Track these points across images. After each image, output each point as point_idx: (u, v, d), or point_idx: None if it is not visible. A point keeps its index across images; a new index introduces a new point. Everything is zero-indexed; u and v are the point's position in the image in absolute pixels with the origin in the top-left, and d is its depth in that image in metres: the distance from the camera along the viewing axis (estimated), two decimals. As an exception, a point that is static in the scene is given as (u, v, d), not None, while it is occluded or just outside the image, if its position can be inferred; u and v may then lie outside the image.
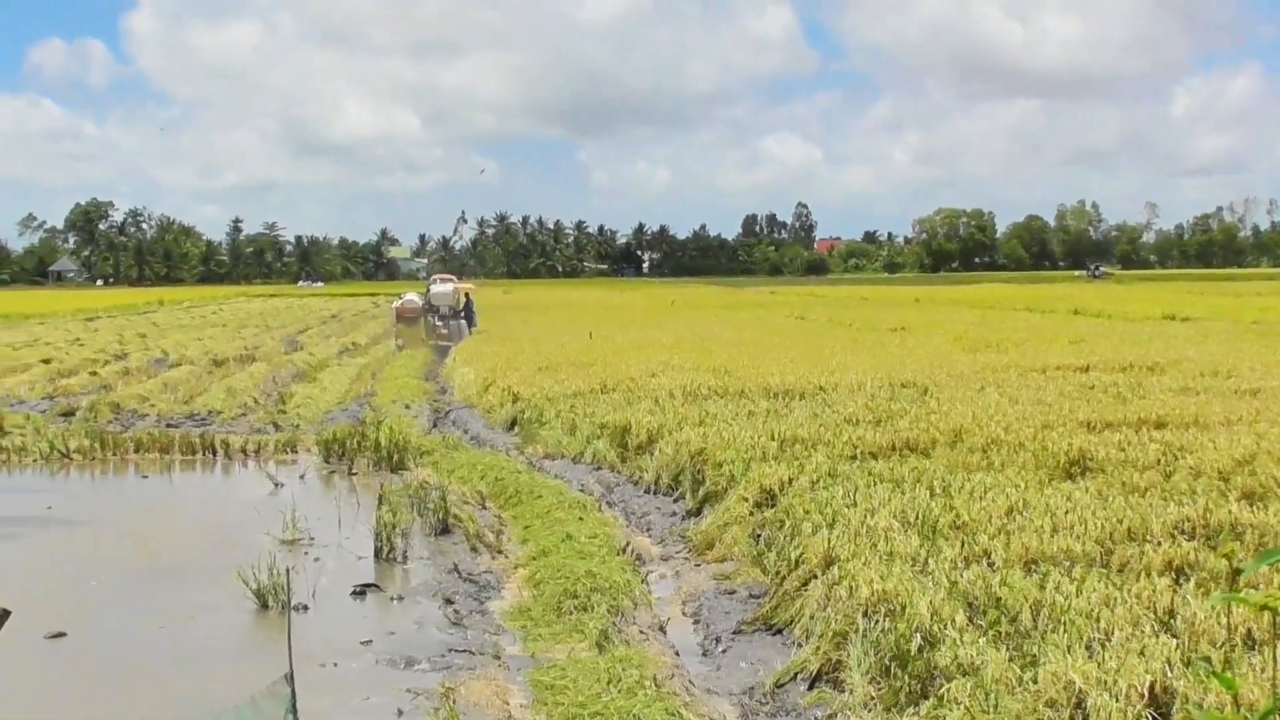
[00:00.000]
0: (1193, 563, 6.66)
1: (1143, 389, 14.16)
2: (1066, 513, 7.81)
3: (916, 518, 7.94)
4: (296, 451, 14.49)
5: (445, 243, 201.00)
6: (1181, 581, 6.30)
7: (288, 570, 6.39)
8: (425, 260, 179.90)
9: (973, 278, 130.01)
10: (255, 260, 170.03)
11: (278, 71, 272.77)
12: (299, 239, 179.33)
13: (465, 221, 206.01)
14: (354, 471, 13.13)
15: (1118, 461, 9.53)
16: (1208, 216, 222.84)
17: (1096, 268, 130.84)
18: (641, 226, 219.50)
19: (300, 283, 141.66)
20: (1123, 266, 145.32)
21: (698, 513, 10.48)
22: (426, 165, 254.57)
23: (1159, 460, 9.54)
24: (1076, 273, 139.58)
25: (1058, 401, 13.05)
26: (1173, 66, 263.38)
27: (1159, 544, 7.00)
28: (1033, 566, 6.74)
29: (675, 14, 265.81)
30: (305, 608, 7.74)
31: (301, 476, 12.93)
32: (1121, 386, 14.46)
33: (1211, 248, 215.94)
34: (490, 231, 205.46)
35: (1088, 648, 5.39)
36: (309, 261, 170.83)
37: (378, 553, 9.17)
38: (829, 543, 7.54)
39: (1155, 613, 5.78)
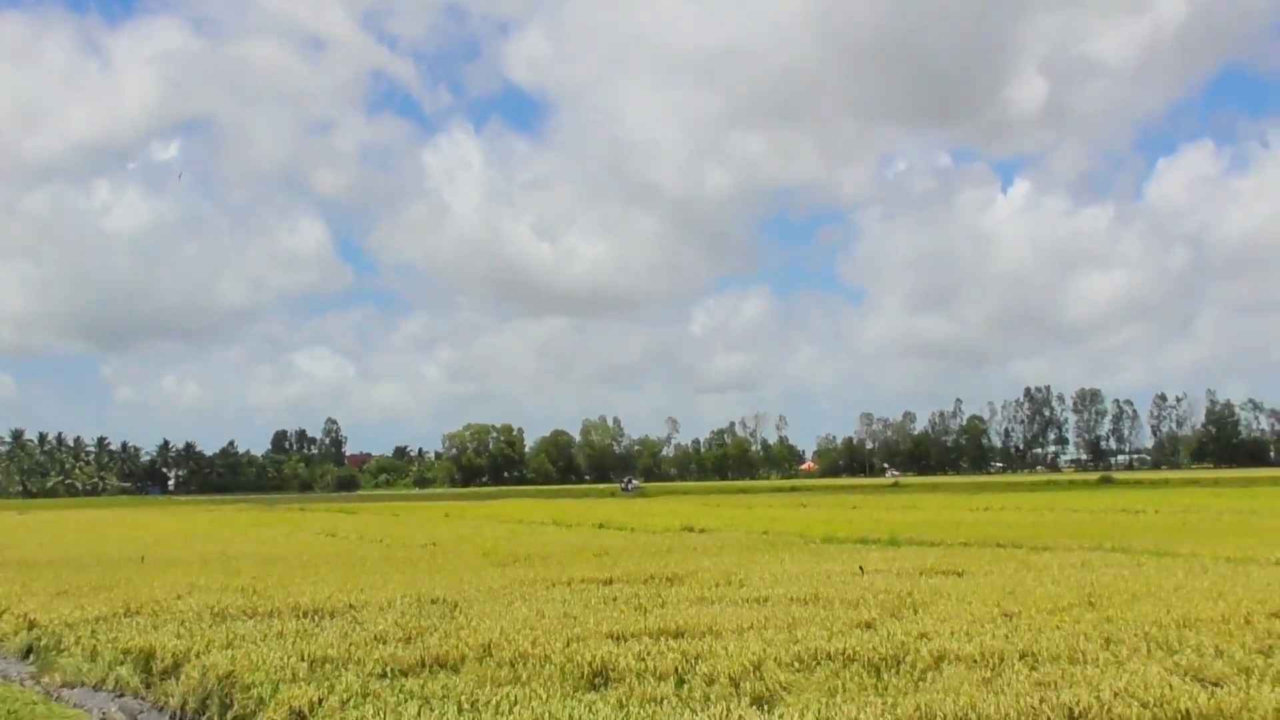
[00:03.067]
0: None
1: (662, 599, 14.86)
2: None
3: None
4: None
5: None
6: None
7: None
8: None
9: (502, 492, 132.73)
10: None
11: None
12: None
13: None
14: None
15: (637, 671, 9.92)
16: (723, 432, 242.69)
17: (629, 481, 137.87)
18: (166, 443, 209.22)
19: None
20: (645, 479, 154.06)
21: (222, 742, 9.95)
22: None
23: (676, 668, 10.02)
24: (611, 485, 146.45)
25: (583, 614, 13.47)
26: (694, 289, 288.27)
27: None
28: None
29: (206, 229, 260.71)
30: None
31: None
32: (643, 597, 15.09)
33: (726, 461, 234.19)
34: (4, 449, 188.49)
35: None
36: None
37: None
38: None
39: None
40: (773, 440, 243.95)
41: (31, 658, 14.72)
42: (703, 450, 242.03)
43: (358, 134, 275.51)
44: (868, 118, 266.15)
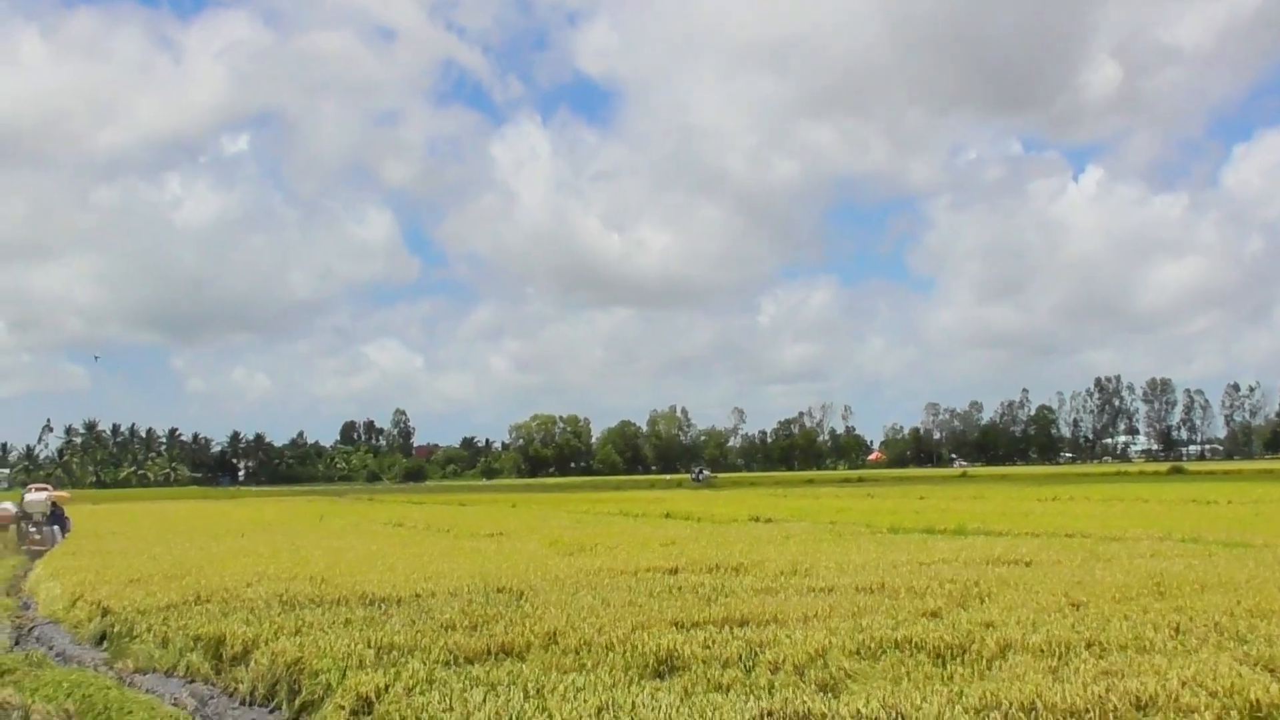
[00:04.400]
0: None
1: (727, 589, 14.87)
2: (652, 710, 8.15)
3: (511, 719, 8.04)
4: None
5: (29, 452, 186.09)
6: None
7: None
8: (7, 470, 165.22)
9: (569, 483, 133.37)
10: None
11: None
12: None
13: (51, 430, 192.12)
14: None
15: (703, 659, 9.96)
16: (789, 422, 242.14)
17: (700, 471, 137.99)
18: (237, 434, 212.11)
19: None
20: (711, 470, 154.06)
21: (294, 723, 10.14)
22: (9, 371, 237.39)
23: (740, 656, 10.05)
24: (678, 475, 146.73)
25: (648, 603, 13.54)
26: (761, 279, 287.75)
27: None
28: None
29: (274, 221, 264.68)
30: None
31: None
32: (708, 587, 15.11)
33: (793, 451, 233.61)
34: (78, 440, 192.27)
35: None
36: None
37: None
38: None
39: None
40: (839, 430, 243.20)
41: (105, 644, 15.05)
42: (769, 441, 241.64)
43: (426, 125, 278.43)
44: (937, 106, 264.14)
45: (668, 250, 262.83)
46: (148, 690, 11.93)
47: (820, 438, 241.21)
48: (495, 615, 12.80)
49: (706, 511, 39.99)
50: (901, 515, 34.46)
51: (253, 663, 11.61)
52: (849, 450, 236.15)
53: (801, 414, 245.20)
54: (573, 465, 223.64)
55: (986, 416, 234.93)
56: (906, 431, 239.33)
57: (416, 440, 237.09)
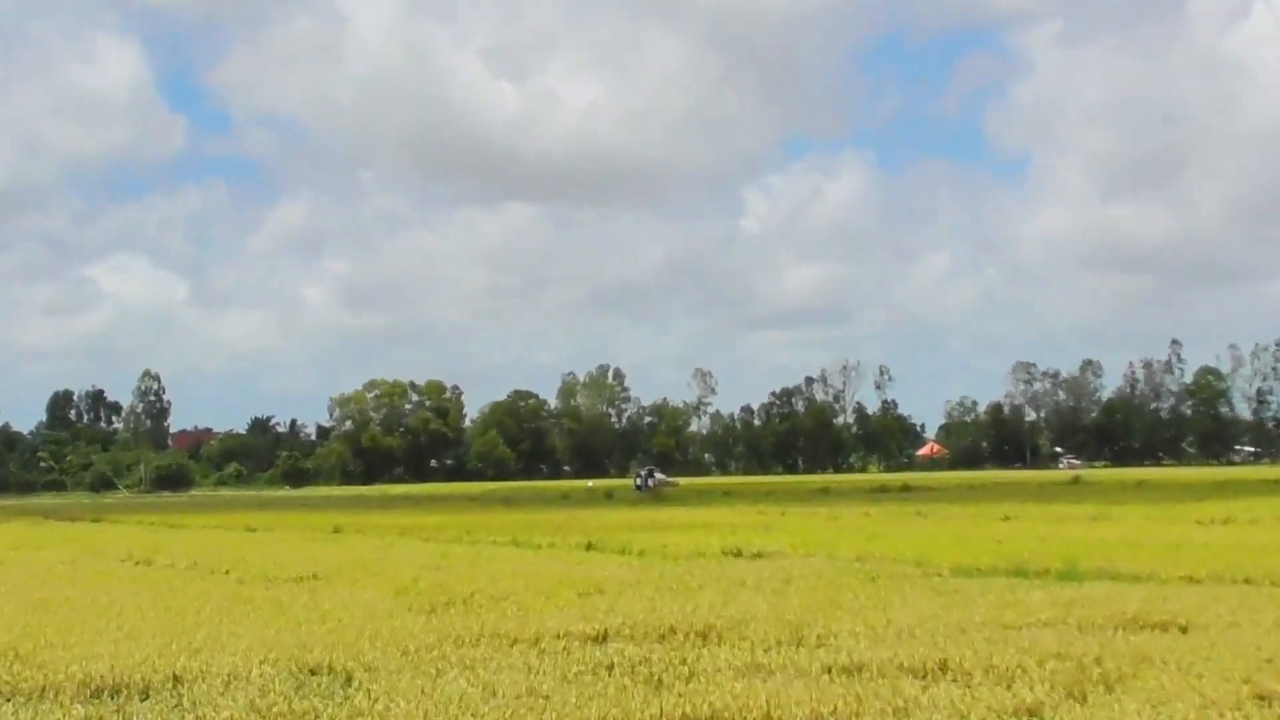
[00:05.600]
0: None
1: (689, 667, 14.89)
2: None
3: None
4: None
5: None
6: None
7: None
8: None
9: (428, 491, 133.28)
10: None
11: None
12: None
13: None
14: None
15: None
16: (790, 394, 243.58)
17: (649, 475, 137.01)
18: None
19: None
20: (664, 472, 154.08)
21: None
22: None
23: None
24: (609, 480, 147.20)
25: (559, 693, 13.48)
26: (746, 159, 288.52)
27: None
28: None
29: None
30: None
31: None
32: (657, 664, 15.15)
33: (795, 441, 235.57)
34: None
35: None
36: None
37: None
38: None
39: None
40: (872, 408, 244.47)
41: None
42: (756, 424, 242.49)
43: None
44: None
45: (595, 111, 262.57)
46: None
47: (840, 419, 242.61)
48: (307, 713, 12.64)
49: (655, 541, 39.93)
50: (973, 547, 34.60)
51: None
52: (887, 440, 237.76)
53: (810, 381, 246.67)
54: (434, 464, 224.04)
55: (1112, 386, 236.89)
56: (981, 410, 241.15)
57: (175, 423, 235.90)
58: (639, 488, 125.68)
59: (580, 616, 19.82)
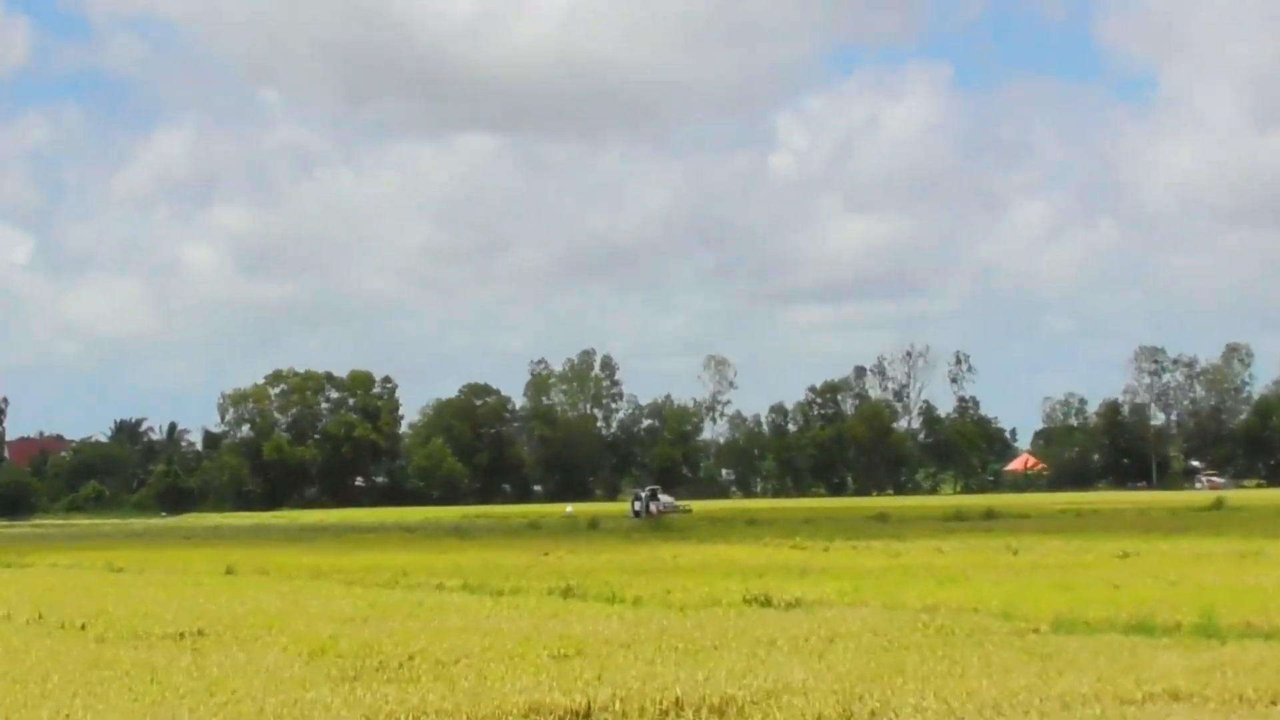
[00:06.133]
0: None
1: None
2: None
3: None
4: None
5: None
6: None
7: None
8: None
9: (350, 519, 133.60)
10: None
11: None
12: None
13: None
14: None
15: None
16: (834, 389, 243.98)
17: (650, 496, 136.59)
18: None
19: None
20: (669, 495, 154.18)
21: None
22: None
23: None
24: (610, 504, 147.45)
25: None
26: (780, 75, 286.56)
27: None
28: None
29: None
30: None
31: None
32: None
33: (843, 452, 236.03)
34: None
35: None
36: None
37: None
38: None
39: None
40: (945, 408, 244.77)
41: None
42: (790, 428, 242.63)
43: None
44: None
45: (575, 10, 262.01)
46: None
47: (904, 423, 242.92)
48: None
49: (656, 586, 40.06)
50: (1081, 594, 34.74)
51: None
52: (965, 451, 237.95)
53: (863, 373, 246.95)
54: (360, 482, 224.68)
55: (1266, 379, 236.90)
56: (1092, 411, 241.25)
57: (13, 429, 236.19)
58: (637, 514, 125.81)
59: (556, 686, 19.87)
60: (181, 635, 29.59)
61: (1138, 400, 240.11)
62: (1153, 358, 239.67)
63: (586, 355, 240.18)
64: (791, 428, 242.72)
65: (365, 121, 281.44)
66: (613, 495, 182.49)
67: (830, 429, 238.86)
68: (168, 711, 18.63)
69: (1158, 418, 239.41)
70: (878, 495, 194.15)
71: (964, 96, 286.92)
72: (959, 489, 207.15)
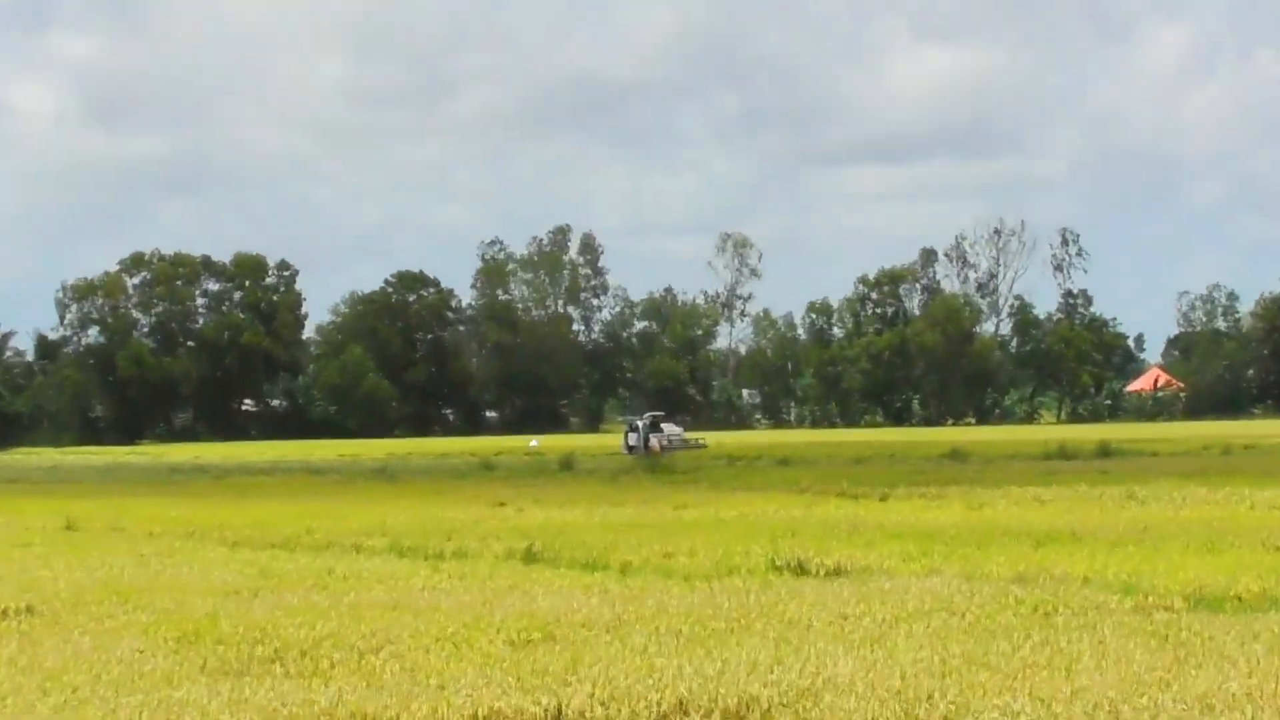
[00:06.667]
0: None
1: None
2: None
3: None
4: None
5: None
6: None
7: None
8: None
9: (234, 457, 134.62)
10: None
11: None
12: None
13: None
14: None
15: None
16: (898, 278, 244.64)
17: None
18: None
19: None
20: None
21: None
22: None
23: None
24: (596, 435, 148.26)
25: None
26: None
27: None
28: None
29: None
30: None
31: None
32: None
33: (903, 366, 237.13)
34: None
35: None
36: None
37: None
38: None
39: None
40: (1046, 307, 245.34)
41: None
42: (836, 333, 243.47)
43: None
44: None
45: None
46: None
47: (990, 325, 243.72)
48: None
49: (651, 550, 40.19)
50: (1228, 559, 34.86)
51: None
52: (1073, 364, 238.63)
53: (933, 257, 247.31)
54: (249, 405, 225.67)
55: None
56: (1245, 310, 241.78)
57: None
58: (632, 449, 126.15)
59: (515, 684, 19.95)
60: (4, 613, 29.63)
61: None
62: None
63: (559, 234, 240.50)
64: (837, 333, 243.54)
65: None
66: (594, 425, 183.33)
67: (890, 335, 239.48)
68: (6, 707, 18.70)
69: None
70: (953, 425, 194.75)
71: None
72: (1064, 416, 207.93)
